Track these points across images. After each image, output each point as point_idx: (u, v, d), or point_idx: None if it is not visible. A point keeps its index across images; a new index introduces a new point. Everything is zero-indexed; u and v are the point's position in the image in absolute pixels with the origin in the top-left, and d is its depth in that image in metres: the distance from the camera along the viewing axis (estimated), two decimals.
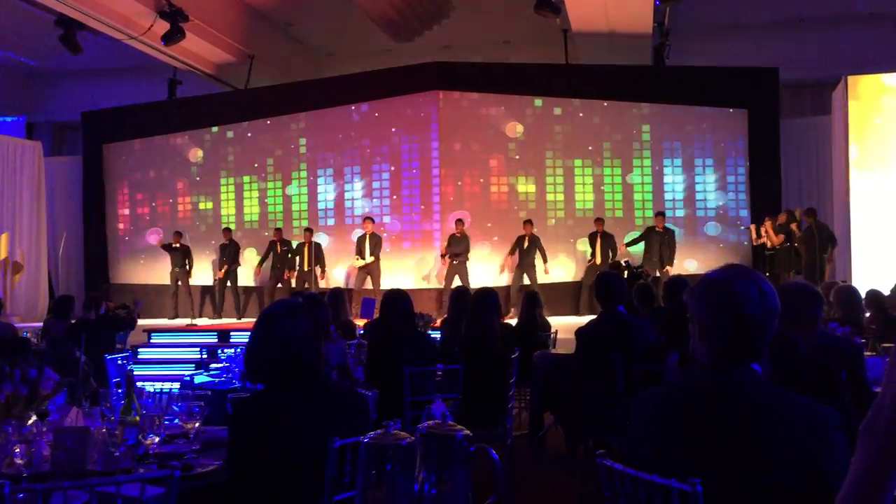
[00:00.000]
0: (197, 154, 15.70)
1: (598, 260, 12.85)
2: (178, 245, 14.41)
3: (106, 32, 13.59)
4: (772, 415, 1.88)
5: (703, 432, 1.90)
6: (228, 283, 14.19)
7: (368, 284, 13.03)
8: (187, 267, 14.39)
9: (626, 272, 11.01)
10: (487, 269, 13.57)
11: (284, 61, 17.06)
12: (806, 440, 1.83)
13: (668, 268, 12.57)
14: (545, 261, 12.95)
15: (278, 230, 14.10)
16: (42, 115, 18.12)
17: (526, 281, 12.81)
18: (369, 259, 13.00)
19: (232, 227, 14.87)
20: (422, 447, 1.86)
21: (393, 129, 14.24)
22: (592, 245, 13.07)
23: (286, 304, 2.87)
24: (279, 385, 2.68)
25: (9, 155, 15.09)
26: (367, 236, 13.09)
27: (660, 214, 13.08)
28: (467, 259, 12.86)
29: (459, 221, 13.10)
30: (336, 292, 7.35)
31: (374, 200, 14.33)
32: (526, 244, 12.92)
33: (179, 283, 14.35)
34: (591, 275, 12.73)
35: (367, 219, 13.37)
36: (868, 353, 4.77)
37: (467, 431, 1.87)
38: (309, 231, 13.64)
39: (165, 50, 13.91)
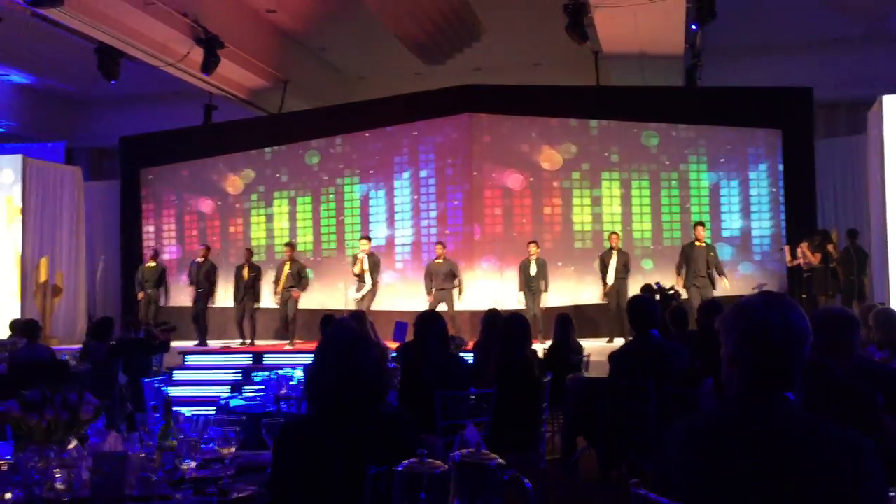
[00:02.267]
0: (232, 178, 15.89)
1: (613, 279, 12.23)
2: (153, 264, 13.91)
3: (144, 59, 13.86)
4: (805, 444, 1.86)
5: (736, 462, 1.89)
6: (200, 305, 13.33)
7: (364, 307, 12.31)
8: (164, 287, 13.83)
9: (657, 294, 10.87)
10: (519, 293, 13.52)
11: (317, 86, 17.26)
12: (840, 470, 1.82)
13: (724, 280, 11.76)
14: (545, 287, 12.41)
15: (248, 251, 13.60)
16: (81, 141, 18.47)
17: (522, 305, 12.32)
18: (368, 284, 12.39)
19: (260, 250, 15.00)
20: (456, 476, 1.88)
21: (425, 153, 14.33)
22: (607, 263, 12.38)
23: (357, 328, 2.86)
24: (341, 409, 2.62)
25: (49, 180, 15.39)
26: (366, 257, 12.45)
27: (700, 224, 12.18)
28: (454, 288, 12.36)
29: (440, 245, 12.64)
30: (358, 315, 7.33)
31: (406, 222, 14.39)
32: (534, 270, 12.36)
33: (151, 304, 13.59)
34: (611, 297, 12.34)
35: (365, 238, 12.88)
36: None
37: (501, 460, 1.89)
38: (290, 246, 13.19)
39: (201, 76, 14.14)
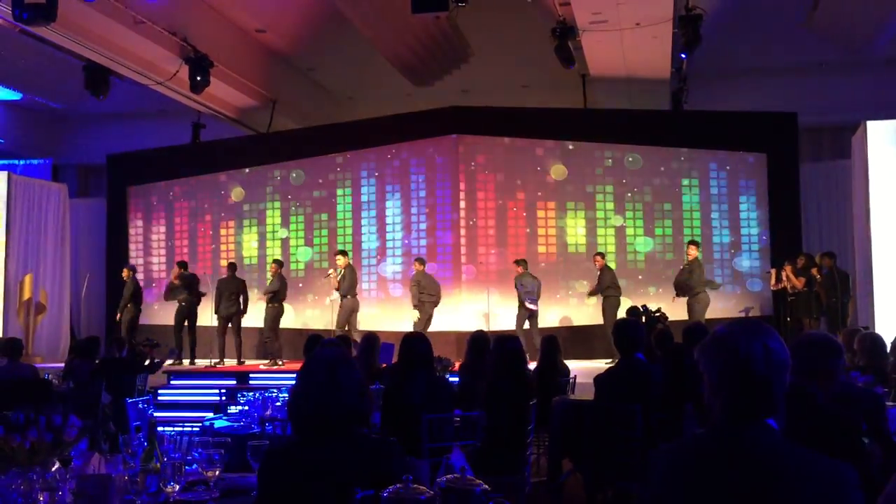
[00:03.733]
0: (220, 196, 15.87)
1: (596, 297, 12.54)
2: (127, 280, 13.81)
3: (132, 78, 13.86)
4: (787, 473, 1.87)
5: (718, 490, 1.90)
6: (186, 323, 13.30)
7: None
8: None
9: (643, 317, 10.91)
10: (507, 314, 13.55)
11: (306, 106, 17.29)
12: (822, 498, 1.83)
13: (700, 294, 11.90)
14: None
15: (231, 265, 13.55)
16: (68, 158, 18.42)
17: (526, 325, 12.52)
18: (334, 297, 12.43)
19: (241, 266, 14.97)
20: (441, 501, 1.88)
21: (413, 173, 14.36)
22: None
23: (341, 351, 2.84)
24: (321, 434, 2.61)
25: (34, 197, 15.32)
26: (343, 272, 12.38)
27: (692, 244, 12.38)
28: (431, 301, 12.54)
29: (419, 261, 12.75)
30: (369, 338, 7.30)
31: (393, 243, 14.40)
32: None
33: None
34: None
35: (340, 253, 12.78)
36: (890, 404, 4.72)
37: (486, 486, 1.89)
38: (277, 263, 13.17)
39: (190, 94, 14.15)
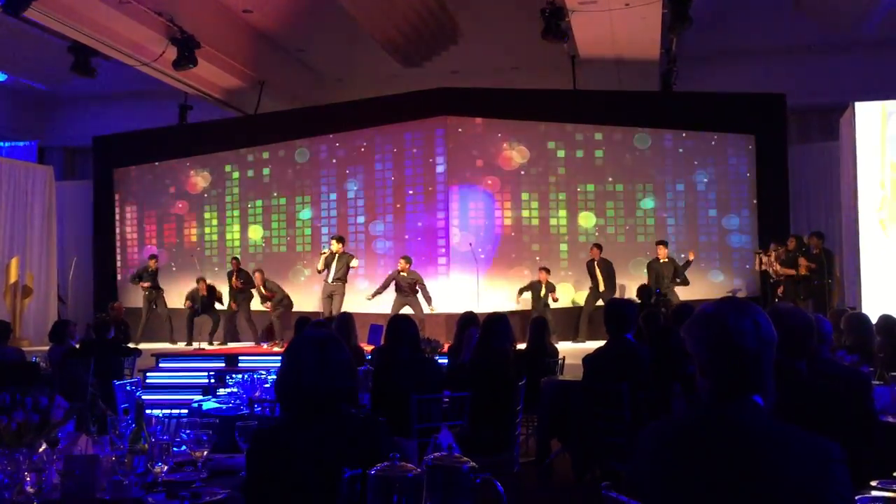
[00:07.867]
0: (207, 178, 15.80)
1: (603, 286, 12.74)
2: (154, 269, 14.13)
3: (118, 58, 13.73)
4: (771, 449, 1.88)
5: (703, 468, 1.91)
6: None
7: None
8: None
9: (653, 298, 11.16)
10: (496, 295, 13.56)
11: (294, 87, 17.19)
12: (807, 475, 1.83)
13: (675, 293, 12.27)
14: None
15: (235, 261, 13.70)
16: (54, 140, 18.28)
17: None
18: (331, 281, 12.14)
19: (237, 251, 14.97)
20: (428, 479, 1.88)
21: (401, 155, 14.31)
22: (592, 272, 12.91)
23: (329, 331, 2.83)
24: (310, 414, 2.61)
25: (20, 179, 15.21)
26: (336, 256, 12.16)
27: (661, 243, 12.77)
28: (416, 292, 12.33)
29: (405, 259, 12.38)
30: (344, 318, 7.34)
31: (381, 225, 14.38)
32: (543, 290, 12.84)
33: (155, 306, 13.98)
34: (593, 300, 12.78)
35: (335, 238, 12.49)
36: (876, 382, 4.74)
37: (473, 464, 1.89)
38: (236, 260, 13.55)
39: (177, 75, 14.03)
